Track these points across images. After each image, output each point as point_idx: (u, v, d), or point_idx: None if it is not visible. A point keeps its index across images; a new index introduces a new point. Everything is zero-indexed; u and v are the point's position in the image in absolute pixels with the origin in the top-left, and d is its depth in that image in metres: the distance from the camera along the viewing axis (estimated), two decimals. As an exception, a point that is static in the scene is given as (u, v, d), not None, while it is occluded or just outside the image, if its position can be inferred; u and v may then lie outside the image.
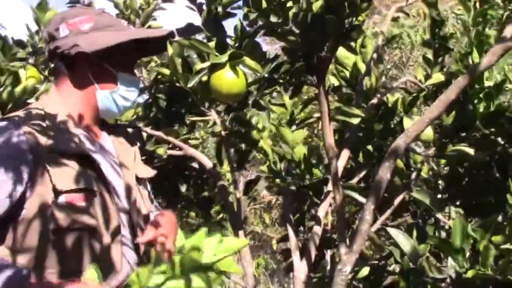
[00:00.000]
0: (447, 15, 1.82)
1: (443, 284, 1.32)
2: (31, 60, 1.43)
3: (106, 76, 1.31)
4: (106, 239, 1.18)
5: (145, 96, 1.93)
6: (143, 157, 1.46)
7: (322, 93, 1.36)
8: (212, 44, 1.17)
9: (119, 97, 1.34)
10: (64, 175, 1.16)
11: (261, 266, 5.14)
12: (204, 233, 0.77)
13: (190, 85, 1.12)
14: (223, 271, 0.78)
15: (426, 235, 1.45)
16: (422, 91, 1.73)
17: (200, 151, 1.99)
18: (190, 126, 1.81)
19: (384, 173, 1.24)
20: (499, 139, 1.57)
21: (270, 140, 1.95)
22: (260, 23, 1.25)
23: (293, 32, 1.27)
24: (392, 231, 1.28)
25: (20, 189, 1.12)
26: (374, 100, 1.68)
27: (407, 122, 1.48)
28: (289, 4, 1.23)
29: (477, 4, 1.71)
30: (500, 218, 1.42)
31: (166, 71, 1.14)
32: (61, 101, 1.30)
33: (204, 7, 1.31)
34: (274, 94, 1.76)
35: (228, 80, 1.14)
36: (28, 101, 1.40)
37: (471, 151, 1.49)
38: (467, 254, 1.13)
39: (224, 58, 1.14)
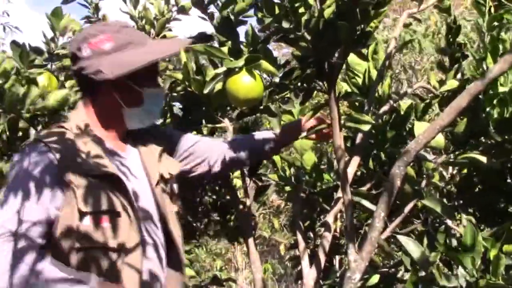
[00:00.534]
0: (459, 22, 1.81)
1: (453, 293, 1.30)
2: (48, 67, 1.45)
3: (132, 94, 1.33)
4: (127, 258, 1.21)
5: None
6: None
7: (333, 99, 1.36)
8: (225, 49, 1.17)
9: (145, 112, 1.37)
10: (89, 196, 1.19)
11: (268, 271, 5.13)
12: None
13: (206, 91, 1.11)
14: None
15: (437, 243, 1.44)
16: (436, 97, 1.72)
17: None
18: (209, 134, 1.81)
19: (395, 180, 1.23)
20: (512, 147, 1.55)
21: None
22: (271, 29, 1.25)
23: (304, 38, 1.27)
24: (402, 239, 1.27)
25: (54, 211, 1.17)
26: (386, 107, 1.67)
27: (418, 129, 1.47)
28: (301, 10, 1.23)
29: (492, 9, 1.70)
30: (512, 226, 1.41)
31: (179, 76, 1.15)
32: (89, 119, 1.33)
33: (216, 14, 1.32)
34: (285, 99, 1.76)
35: (246, 85, 1.13)
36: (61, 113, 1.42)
37: (483, 158, 1.48)
38: (478, 263, 1.12)
39: (241, 62, 1.13)
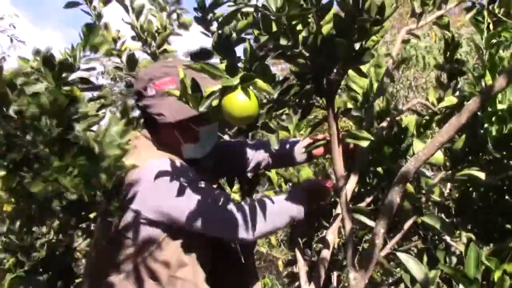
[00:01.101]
0: (458, 38, 1.82)
1: (454, 312, 1.29)
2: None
3: (190, 133, 1.50)
4: None
5: None
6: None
7: (331, 115, 1.36)
8: (222, 66, 1.17)
9: (201, 147, 1.54)
10: None
11: (268, 286, 5.08)
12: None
13: (201, 108, 1.11)
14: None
15: (437, 261, 1.42)
16: (435, 113, 1.72)
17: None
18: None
19: (394, 197, 1.22)
20: (511, 163, 1.55)
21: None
22: (269, 46, 1.25)
23: (302, 55, 1.27)
24: (402, 256, 1.25)
25: None
26: (385, 123, 1.67)
27: (417, 146, 1.47)
28: (299, 27, 1.23)
29: (491, 26, 1.70)
30: (512, 244, 1.39)
31: (177, 93, 1.14)
32: (155, 146, 1.51)
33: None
34: (284, 116, 1.76)
35: (240, 103, 1.14)
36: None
37: (482, 175, 1.47)
38: (481, 283, 1.10)
39: (236, 80, 1.13)
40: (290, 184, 2.05)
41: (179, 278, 1.44)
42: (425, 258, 1.49)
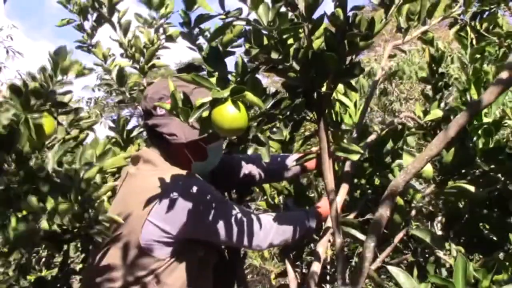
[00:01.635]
0: (447, 52, 1.85)
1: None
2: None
3: (199, 150, 1.53)
4: None
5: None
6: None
7: (322, 129, 1.36)
8: (213, 79, 1.17)
9: (209, 163, 1.58)
10: None
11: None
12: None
13: (191, 120, 1.12)
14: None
15: (427, 274, 1.43)
16: (420, 127, 1.74)
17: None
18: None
19: (384, 210, 1.23)
20: (499, 176, 1.57)
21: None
22: (260, 59, 1.26)
23: (293, 68, 1.28)
24: (393, 270, 1.25)
25: None
26: (373, 136, 1.68)
27: (406, 159, 1.48)
28: (290, 41, 1.24)
29: (474, 41, 1.73)
30: (501, 255, 1.40)
31: (168, 106, 1.14)
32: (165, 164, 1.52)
33: (205, 45, 1.33)
34: (274, 129, 1.77)
35: (230, 115, 1.14)
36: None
37: (471, 188, 1.49)
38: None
39: (226, 93, 1.14)
40: (282, 197, 2.05)
41: None
42: (415, 272, 1.50)
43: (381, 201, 1.23)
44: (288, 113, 1.36)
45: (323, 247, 1.63)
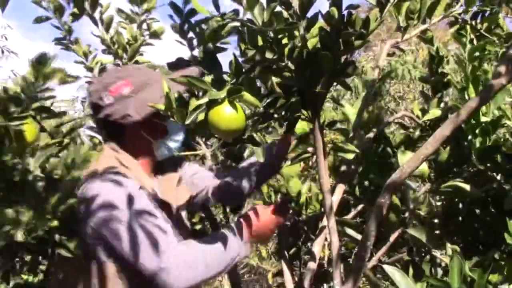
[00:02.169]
0: (446, 51, 1.85)
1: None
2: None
3: (157, 128, 1.47)
4: None
5: None
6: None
7: (317, 128, 1.36)
8: (208, 80, 1.17)
9: (170, 141, 1.51)
10: None
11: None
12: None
13: (187, 122, 1.11)
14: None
15: (423, 273, 1.42)
16: (419, 126, 1.74)
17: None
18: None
19: (379, 209, 1.23)
20: (495, 175, 1.57)
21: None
22: (256, 59, 1.26)
23: (288, 68, 1.28)
24: (388, 269, 1.25)
25: None
26: (371, 135, 1.68)
27: (402, 158, 1.48)
28: (285, 41, 1.24)
29: (474, 41, 1.73)
30: (496, 255, 1.40)
31: (162, 107, 1.14)
32: (122, 159, 1.44)
33: (195, 41, 1.33)
34: (269, 129, 1.76)
35: (227, 116, 1.14)
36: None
37: (466, 187, 1.49)
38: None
39: (223, 94, 1.13)
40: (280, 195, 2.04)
41: None
42: (411, 271, 1.50)
43: (377, 200, 1.23)
44: (283, 112, 1.36)
45: (319, 246, 1.63)
